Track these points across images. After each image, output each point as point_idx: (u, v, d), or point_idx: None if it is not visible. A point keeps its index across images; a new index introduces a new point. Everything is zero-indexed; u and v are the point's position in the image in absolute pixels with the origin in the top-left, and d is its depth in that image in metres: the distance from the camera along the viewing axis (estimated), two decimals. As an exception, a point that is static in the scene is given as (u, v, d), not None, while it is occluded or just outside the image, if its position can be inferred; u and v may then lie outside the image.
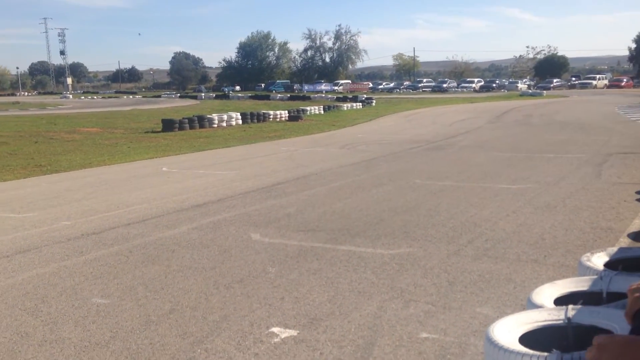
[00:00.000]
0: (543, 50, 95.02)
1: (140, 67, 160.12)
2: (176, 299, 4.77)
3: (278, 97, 55.06)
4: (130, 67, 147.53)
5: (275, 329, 4.11)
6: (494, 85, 73.67)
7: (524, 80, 76.74)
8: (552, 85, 68.33)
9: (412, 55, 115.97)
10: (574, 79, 77.94)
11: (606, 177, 9.91)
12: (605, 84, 69.61)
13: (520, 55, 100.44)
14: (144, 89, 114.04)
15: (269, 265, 5.58)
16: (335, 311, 4.40)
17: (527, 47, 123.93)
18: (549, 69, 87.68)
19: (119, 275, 5.46)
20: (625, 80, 71.37)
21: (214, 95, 65.82)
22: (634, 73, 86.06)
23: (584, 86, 68.81)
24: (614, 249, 3.69)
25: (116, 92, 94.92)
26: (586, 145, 14.62)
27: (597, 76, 75.99)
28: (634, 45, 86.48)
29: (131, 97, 74.11)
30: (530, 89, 63.06)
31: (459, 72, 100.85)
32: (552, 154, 13.25)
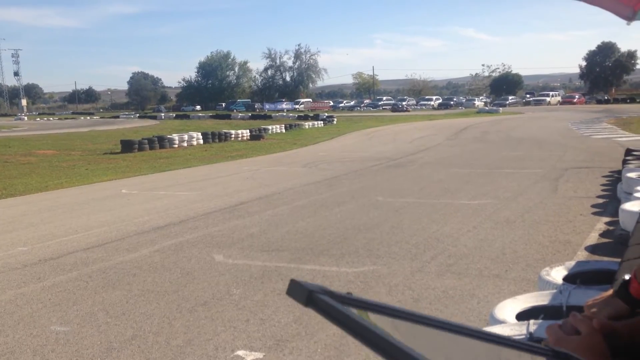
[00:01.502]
0: (498, 68, 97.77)
1: (98, 88, 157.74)
2: (138, 324, 4.67)
3: (239, 117, 54.88)
4: (87, 87, 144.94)
5: (240, 352, 4.06)
6: (452, 102, 75.24)
7: (480, 98, 78.65)
8: (507, 102, 70.19)
9: (372, 74, 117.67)
10: (528, 96, 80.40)
11: (562, 192, 10.20)
12: (558, 101, 71.97)
13: (476, 74, 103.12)
14: (101, 110, 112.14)
15: (233, 287, 5.52)
16: (301, 332, 4.38)
17: (483, 65, 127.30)
18: (504, 87, 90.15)
19: (78, 301, 5.31)
20: (577, 97, 74.02)
21: (174, 115, 65.17)
22: (585, 90, 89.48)
23: (538, 103, 70.94)
24: (572, 263, 3.80)
25: (73, 113, 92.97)
26: (542, 161, 15.03)
27: (551, 93, 78.57)
28: (584, 63, 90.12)
29: (88, 118, 72.68)
30: (486, 106, 64.62)
31: (418, 89, 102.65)
32: (509, 169, 13.58)
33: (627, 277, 1.19)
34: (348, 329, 0.52)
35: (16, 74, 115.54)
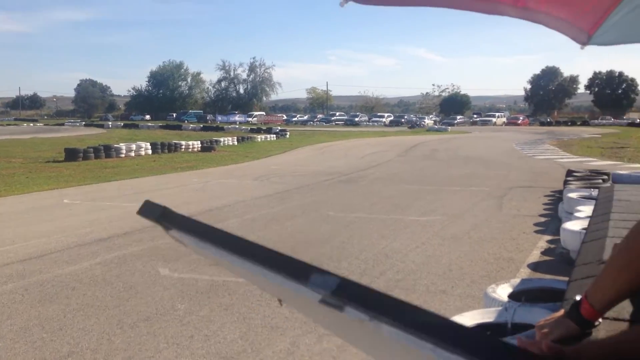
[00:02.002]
0: (447, 88, 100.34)
1: (43, 94, 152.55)
2: (75, 340, 4.46)
3: (190, 127, 54.17)
4: (31, 93, 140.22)
5: (183, 370, 3.93)
6: (403, 120, 76.60)
7: (430, 116, 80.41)
8: (455, 121, 72.02)
9: (326, 89, 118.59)
10: (475, 116, 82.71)
11: (507, 210, 10.47)
12: (504, 122, 74.38)
13: (426, 93, 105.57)
14: (46, 117, 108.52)
15: (177, 302, 5.37)
16: (247, 348, 4.28)
17: (433, 85, 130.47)
18: (452, 106, 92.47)
19: (12, 315, 5.04)
20: (521, 118, 76.82)
21: (122, 124, 63.75)
22: (529, 112, 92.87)
23: (484, 123, 73.04)
24: (517, 281, 3.86)
25: (15, 120, 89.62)
26: (488, 179, 15.42)
27: (497, 114, 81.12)
28: (529, 86, 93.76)
29: (32, 124, 70.20)
30: (436, 125, 66.09)
31: (370, 106, 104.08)
32: (457, 187, 13.86)
33: (577, 298, 1.19)
34: (201, 235, 0.56)
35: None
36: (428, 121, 71.92)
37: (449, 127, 58.54)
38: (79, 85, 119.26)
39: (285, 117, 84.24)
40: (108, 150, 23.05)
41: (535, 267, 6.51)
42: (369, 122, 76.24)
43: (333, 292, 0.53)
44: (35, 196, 12.88)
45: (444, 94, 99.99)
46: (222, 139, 32.69)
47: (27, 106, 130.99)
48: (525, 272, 6.27)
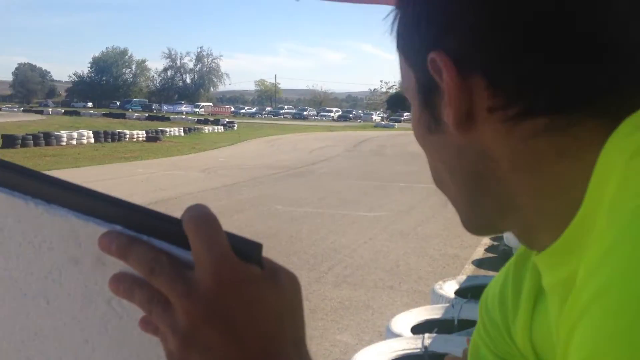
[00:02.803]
0: (395, 85, 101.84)
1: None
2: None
3: (135, 117, 52.82)
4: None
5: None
6: (351, 115, 77.27)
7: (377, 113, 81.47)
8: (402, 118, 73.20)
9: (274, 81, 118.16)
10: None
11: (451, 207, 10.71)
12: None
13: (374, 89, 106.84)
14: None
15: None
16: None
17: (381, 81, 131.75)
18: (399, 103, 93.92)
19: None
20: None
21: (63, 110, 61.52)
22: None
23: (430, 120, 74.59)
24: (463, 277, 3.98)
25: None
26: (434, 176, 15.74)
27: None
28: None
29: (-35, 108, 66.83)
30: (383, 121, 67.02)
31: (319, 101, 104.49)
32: (404, 183, 14.09)
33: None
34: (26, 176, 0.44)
35: None
36: (376, 117, 72.82)
37: (396, 124, 59.48)
38: (16, 69, 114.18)
39: (233, 109, 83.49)
40: (48, 138, 22.20)
41: (479, 263, 6.71)
42: (317, 116, 76.51)
43: None
44: (-31, 184, 12.27)
45: (391, 90, 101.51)
46: (168, 130, 32.08)
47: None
48: (469, 269, 6.45)
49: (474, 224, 0.48)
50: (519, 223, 0.44)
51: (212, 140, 29.28)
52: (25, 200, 0.43)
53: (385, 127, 56.45)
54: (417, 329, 3.23)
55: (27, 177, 0.44)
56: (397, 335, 3.11)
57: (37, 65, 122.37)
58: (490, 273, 5.83)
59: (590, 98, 0.38)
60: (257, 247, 0.40)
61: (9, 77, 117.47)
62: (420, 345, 2.80)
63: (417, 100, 0.46)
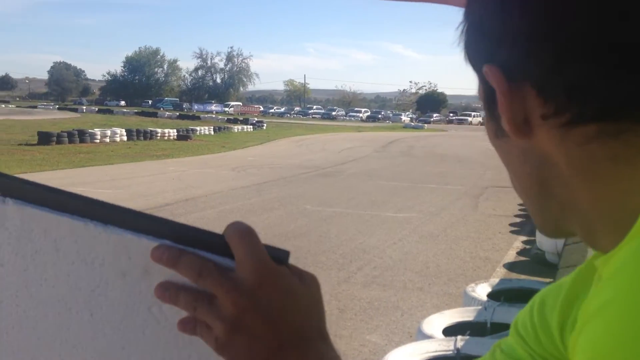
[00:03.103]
0: (424, 86, 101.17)
1: (15, 75, 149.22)
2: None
3: (166, 115, 53.55)
4: (3, 74, 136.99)
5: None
6: (380, 116, 77.03)
7: (407, 113, 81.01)
8: (432, 119, 72.71)
9: (303, 82, 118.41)
10: (451, 114, 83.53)
11: (482, 209, 10.61)
12: (480, 121, 75.26)
13: (404, 90, 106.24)
14: (18, 98, 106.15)
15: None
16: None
17: (411, 82, 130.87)
18: (429, 104, 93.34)
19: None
20: (496, 118, 77.62)
21: (97, 109, 62.72)
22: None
23: (460, 122, 73.86)
24: (496, 280, 3.93)
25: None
26: (464, 178, 15.60)
27: (473, 114, 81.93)
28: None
29: (3, 106, 68.54)
30: (412, 122, 66.60)
31: (347, 101, 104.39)
32: (433, 184, 13.99)
33: None
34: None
35: None
36: (405, 118, 72.42)
37: (425, 125, 59.06)
38: (52, 67, 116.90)
39: (262, 109, 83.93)
40: (82, 135, 22.65)
41: (511, 267, 6.62)
42: (346, 116, 76.44)
43: None
44: (7, 180, 12.59)
45: (420, 91, 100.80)
46: (198, 128, 32.43)
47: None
48: (501, 272, 6.37)
49: (546, 228, 0.49)
50: (583, 226, 0.45)
51: (242, 140, 29.50)
52: (85, 223, 0.50)
53: (415, 128, 56.06)
54: (449, 331, 3.21)
55: (86, 203, 0.50)
56: (428, 337, 3.10)
57: (72, 64, 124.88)
58: (523, 276, 5.75)
59: (638, 106, 0.39)
60: (286, 253, 0.49)
61: (45, 76, 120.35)
62: (452, 348, 2.78)
63: (484, 107, 0.49)
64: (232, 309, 0.46)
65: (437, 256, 7.01)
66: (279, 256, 0.48)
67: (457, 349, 2.76)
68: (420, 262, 6.69)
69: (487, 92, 0.45)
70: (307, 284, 0.50)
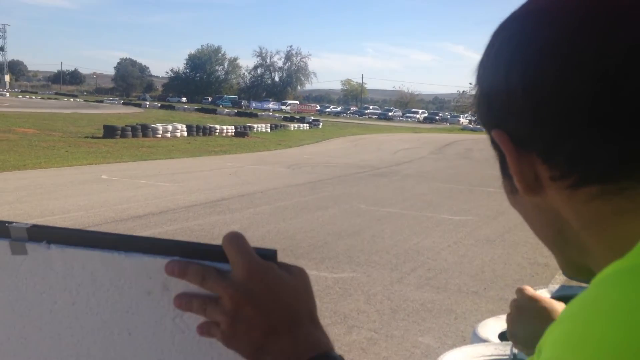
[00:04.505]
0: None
1: (84, 70, 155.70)
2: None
3: (225, 112, 54.57)
4: (72, 69, 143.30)
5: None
6: (437, 117, 75.96)
7: (465, 115, 79.47)
8: (492, 122, 70.99)
9: (360, 81, 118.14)
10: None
11: (542, 215, 10.30)
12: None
13: (463, 91, 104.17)
14: (85, 93, 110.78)
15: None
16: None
17: (471, 83, 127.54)
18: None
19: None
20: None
21: (159, 104, 64.61)
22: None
23: (521, 125, 71.84)
24: (556, 287, 3.81)
25: (56, 94, 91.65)
26: (523, 182, 15.16)
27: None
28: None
29: (72, 100, 71.70)
30: (471, 124, 65.30)
31: (405, 102, 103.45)
32: (491, 188, 13.66)
33: None
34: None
35: (1, 49, 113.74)
36: (463, 120, 71.08)
37: (484, 128, 57.73)
38: (119, 63, 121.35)
39: (318, 107, 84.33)
40: (145, 130, 23.40)
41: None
42: (402, 117, 75.80)
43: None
44: (74, 170, 13.18)
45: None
46: (255, 126, 32.89)
47: (67, 81, 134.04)
48: (560, 279, 6.17)
49: (567, 270, 0.52)
50: (599, 269, 0.46)
51: (298, 138, 29.75)
52: (112, 253, 0.58)
53: (473, 130, 54.95)
54: (505, 336, 3.13)
55: (111, 238, 0.59)
56: (483, 340, 3.04)
57: (138, 60, 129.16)
58: (584, 285, 5.55)
59: (636, 167, 0.42)
60: (273, 251, 0.57)
61: (112, 71, 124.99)
62: (509, 353, 2.72)
63: (499, 166, 0.52)
64: (230, 303, 0.55)
65: (494, 261, 6.86)
66: (267, 254, 0.56)
67: (514, 354, 2.70)
68: (476, 266, 6.57)
69: (499, 153, 0.49)
70: (295, 276, 0.57)
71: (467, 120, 71.81)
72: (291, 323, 0.56)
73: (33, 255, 0.61)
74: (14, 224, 0.62)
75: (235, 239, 0.55)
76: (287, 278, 0.57)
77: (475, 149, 28.53)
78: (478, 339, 3.10)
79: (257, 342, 0.55)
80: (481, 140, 37.72)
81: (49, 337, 0.64)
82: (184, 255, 0.57)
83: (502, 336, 3.18)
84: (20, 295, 0.63)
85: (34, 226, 0.61)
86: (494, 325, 3.30)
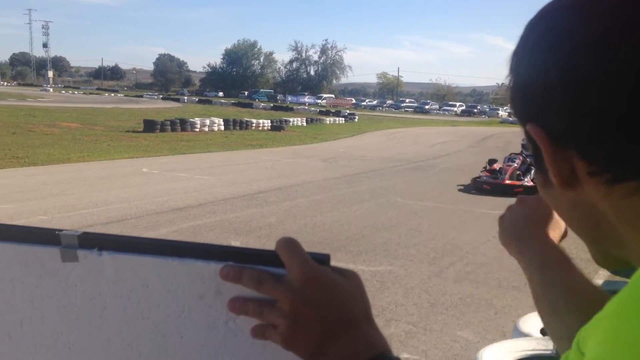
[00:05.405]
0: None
1: (124, 66, 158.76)
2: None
3: (261, 106, 54.96)
4: (113, 64, 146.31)
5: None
6: (475, 110, 74.74)
7: (504, 108, 78.02)
8: (531, 114, 69.46)
9: (396, 74, 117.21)
10: (553, 110, 79.27)
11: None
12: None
13: (502, 83, 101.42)
14: (126, 88, 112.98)
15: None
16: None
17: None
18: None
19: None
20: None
21: (197, 99, 65.45)
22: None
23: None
24: (599, 282, 3.72)
25: (98, 89, 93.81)
26: (564, 176, 14.82)
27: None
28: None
29: (113, 95, 73.29)
30: (510, 117, 64.06)
31: (442, 94, 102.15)
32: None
33: None
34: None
35: (45, 45, 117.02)
36: (502, 113, 69.83)
37: (524, 120, 56.51)
38: (157, 59, 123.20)
39: (354, 101, 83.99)
40: (184, 124, 23.78)
41: (614, 270, 6.25)
42: (439, 110, 74.85)
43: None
44: (116, 163, 13.50)
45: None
46: (291, 119, 33.03)
47: (108, 76, 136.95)
48: (604, 274, 6.02)
49: (601, 262, 0.53)
50: (637, 262, 0.47)
51: (333, 131, 29.73)
52: (165, 259, 0.59)
53: (513, 123, 53.80)
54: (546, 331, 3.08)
55: (162, 244, 0.60)
56: (525, 335, 3.00)
57: (176, 56, 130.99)
58: (627, 280, 5.40)
59: None
60: (327, 256, 0.58)
61: (151, 67, 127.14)
62: (551, 347, 2.68)
63: (533, 159, 0.52)
64: (288, 306, 0.56)
65: (534, 255, 6.75)
66: (321, 258, 0.57)
67: (557, 350, 2.65)
68: (516, 261, 6.46)
69: (534, 146, 0.49)
70: (349, 279, 0.58)
71: (507, 113, 70.44)
72: (348, 324, 0.57)
73: (84, 262, 0.62)
74: (64, 231, 0.62)
75: (290, 243, 0.57)
76: (342, 281, 0.58)
77: (515, 142, 27.95)
78: (520, 334, 3.06)
79: (316, 344, 0.56)
80: (521, 134, 36.35)
81: (98, 343, 0.65)
82: (237, 260, 0.57)
83: (545, 331, 3.13)
84: (69, 301, 0.64)
85: (85, 233, 0.62)
86: (537, 319, 3.25)
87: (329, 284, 0.57)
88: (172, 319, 0.61)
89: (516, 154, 13.43)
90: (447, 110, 74.29)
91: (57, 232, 0.62)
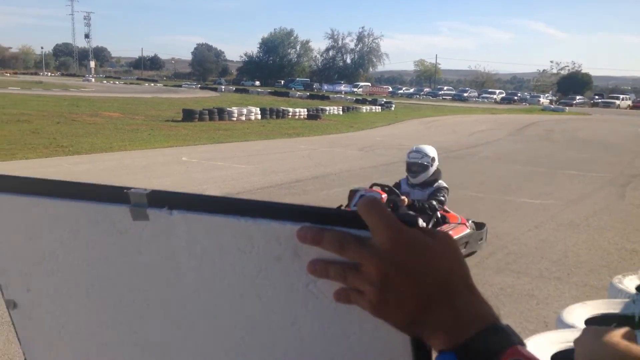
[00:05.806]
0: (567, 66, 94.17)
1: (163, 56, 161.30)
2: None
3: (297, 95, 55.00)
4: (152, 55, 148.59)
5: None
6: (516, 98, 73.16)
7: (546, 95, 76.16)
8: (574, 102, 67.64)
9: (434, 62, 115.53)
10: (597, 97, 77.05)
11: (630, 199, 9.76)
12: (629, 105, 68.80)
13: (543, 70, 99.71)
14: (165, 78, 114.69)
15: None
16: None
17: (551, 62, 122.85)
18: (572, 86, 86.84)
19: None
20: (649, 102, 70.42)
21: (234, 88, 65.96)
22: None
23: (606, 105, 68.06)
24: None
25: (138, 79, 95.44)
26: (609, 165, 14.43)
27: (621, 96, 75.04)
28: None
29: (152, 84, 74.51)
30: (552, 104, 62.56)
31: (481, 82, 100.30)
32: (574, 171, 13.09)
33: None
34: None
35: (87, 36, 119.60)
36: (543, 100, 68.18)
37: (567, 108, 55.07)
38: (195, 49, 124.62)
39: (390, 89, 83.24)
40: (221, 113, 24.00)
41: (662, 261, 6.06)
42: (478, 98, 73.52)
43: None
44: (156, 152, 13.75)
45: (562, 72, 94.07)
46: (327, 108, 32.94)
47: (147, 67, 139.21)
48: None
49: None
50: None
51: (370, 120, 29.55)
52: (238, 219, 0.57)
53: (554, 110, 52.56)
54: (592, 323, 3.02)
55: (236, 202, 0.58)
56: (569, 326, 2.94)
57: (213, 45, 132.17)
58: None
59: None
60: (415, 217, 0.54)
61: (189, 57, 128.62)
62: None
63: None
64: (376, 273, 0.51)
65: (578, 246, 6.59)
66: (409, 220, 0.53)
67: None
68: (559, 251, 6.33)
69: None
70: (441, 241, 0.53)
71: (548, 100, 68.78)
72: (446, 291, 0.52)
73: (155, 221, 0.60)
74: (133, 189, 0.61)
75: (375, 203, 0.52)
76: (434, 244, 0.52)
77: (557, 130, 27.33)
78: (563, 325, 3.00)
79: (412, 313, 0.52)
80: (563, 121, 36.13)
81: (175, 300, 0.64)
82: (315, 221, 0.54)
83: (590, 322, 3.06)
84: (143, 260, 0.63)
85: (154, 191, 0.60)
86: (581, 311, 3.18)
87: (420, 247, 0.52)
88: (248, 280, 0.60)
89: None
90: (487, 97, 72.90)
91: (125, 190, 0.61)
